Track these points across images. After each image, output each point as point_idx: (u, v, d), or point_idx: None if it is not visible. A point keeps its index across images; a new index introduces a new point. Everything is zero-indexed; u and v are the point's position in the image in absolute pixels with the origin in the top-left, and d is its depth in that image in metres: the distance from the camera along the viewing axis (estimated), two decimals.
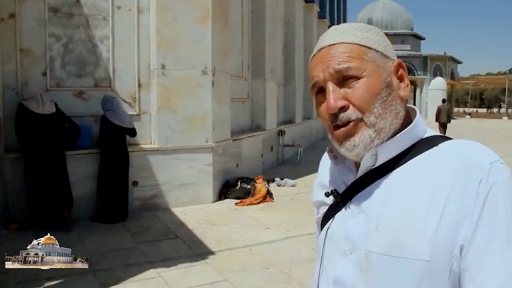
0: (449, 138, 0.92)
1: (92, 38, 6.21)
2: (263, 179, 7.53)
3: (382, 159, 0.90)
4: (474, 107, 61.70)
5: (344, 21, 27.90)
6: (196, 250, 4.77)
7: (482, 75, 66.64)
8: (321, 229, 1.04)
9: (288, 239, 5.21)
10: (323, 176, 1.10)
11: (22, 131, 5.31)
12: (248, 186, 7.13)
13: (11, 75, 5.63)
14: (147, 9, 6.50)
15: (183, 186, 6.58)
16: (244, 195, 7.00)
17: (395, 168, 0.90)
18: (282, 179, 8.47)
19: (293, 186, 8.27)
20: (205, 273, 4.19)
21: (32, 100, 5.35)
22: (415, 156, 0.90)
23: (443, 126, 17.03)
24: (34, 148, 5.29)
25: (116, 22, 6.31)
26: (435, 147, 0.89)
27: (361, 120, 0.88)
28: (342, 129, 0.89)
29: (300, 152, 11.38)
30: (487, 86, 58.30)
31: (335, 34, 0.93)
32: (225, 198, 7.08)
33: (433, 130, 0.96)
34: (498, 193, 0.80)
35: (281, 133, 11.24)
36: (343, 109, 0.88)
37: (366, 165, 0.92)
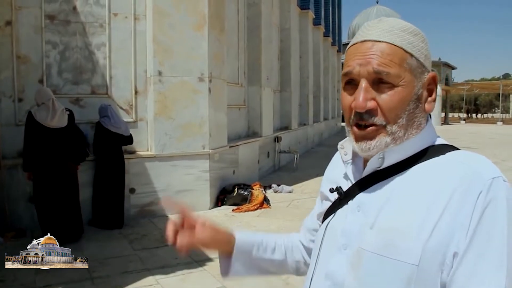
0: (457, 148, 0.93)
1: (89, 45, 6.21)
2: (260, 185, 7.53)
3: (388, 162, 0.92)
4: (468, 112, 61.95)
5: (339, 28, 28.07)
6: (194, 257, 4.76)
7: (476, 81, 67.03)
8: (322, 224, 1.06)
9: None
10: (332, 170, 1.12)
11: (29, 142, 4.96)
12: (245, 193, 7.13)
13: (8, 83, 5.63)
14: (143, 16, 6.52)
15: (180, 192, 6.57)
16: (241, 202, 7.00)
17: (400, 172, 0.91)
18: (278, 185, 8.48)
19: (290, 192, 8.27)
20: (203, 279, 4.18)
21: (42, 108, 4.99)
22: (421, 162, 0.90)
23: None
24: (41, 162, 4.98)
25: (112, 29, 6.33)
26: (441, 156, 0.90)
27: (384, 127, 0.89)
28: (363, 131, 0.91)
29: (297, 158, 11.40)
30: (481, 92, 58.62)
31: (382, 30, 0.90)
32: (222, 204, 7.08)
33: (444, 139, 0.97)
34: (497, 210, 0.79)
35: (277, 139, 11.26)
36: (370, 111, 0.89)
37: (372, 166, 0.93)
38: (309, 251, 1.21)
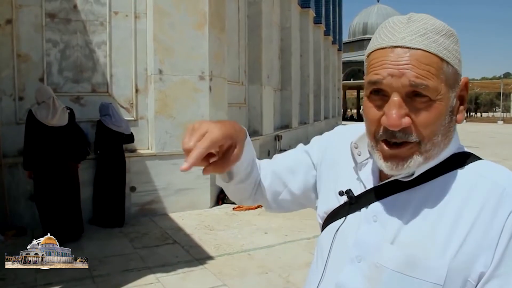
0: (479, 158, 0.88)
1: (89, 44, 6.21)
2: None
3: (416, 174, 0.85)
4: (468, 111, 61.90)
5: (340, 27, 28.03)
6: (195, 255, 4.77)
7: (477, 80, 66.90)
8: (325, 224, 1.01)
9: (286, 243, 5.21)
10: (338, 154, 1.04)
11: (30, 141, 4.93)
12: None
13: (8, 81, 5.62)
14: (144, 15, 6.52)
15: (180, 191, 6.57)
16: None
17: (421, 184, 0.85)
18: None
19: None
20: (204, 278, 4.18)
21: (43, 107, 4.97)
22: (444, 174, 0.85)
23: None
24: (42, 160, 4.95)
25: (113, 28, 6.32)
26: (466, 167, 0.85)
27: (418, 144, 0.80)
28: (394, 150, 0.81)
29: None
30: (482, 91, 58.58)
31: (415, 34, 0.79)
32: (223, 203, 7.08)
33: (463, 146, 0.92)
34: None
35: (277, 138, 11.27)
36: (404, 129, 0.79)
37: (397, 177, 0.86)
38: (260, 189, 1.17)
